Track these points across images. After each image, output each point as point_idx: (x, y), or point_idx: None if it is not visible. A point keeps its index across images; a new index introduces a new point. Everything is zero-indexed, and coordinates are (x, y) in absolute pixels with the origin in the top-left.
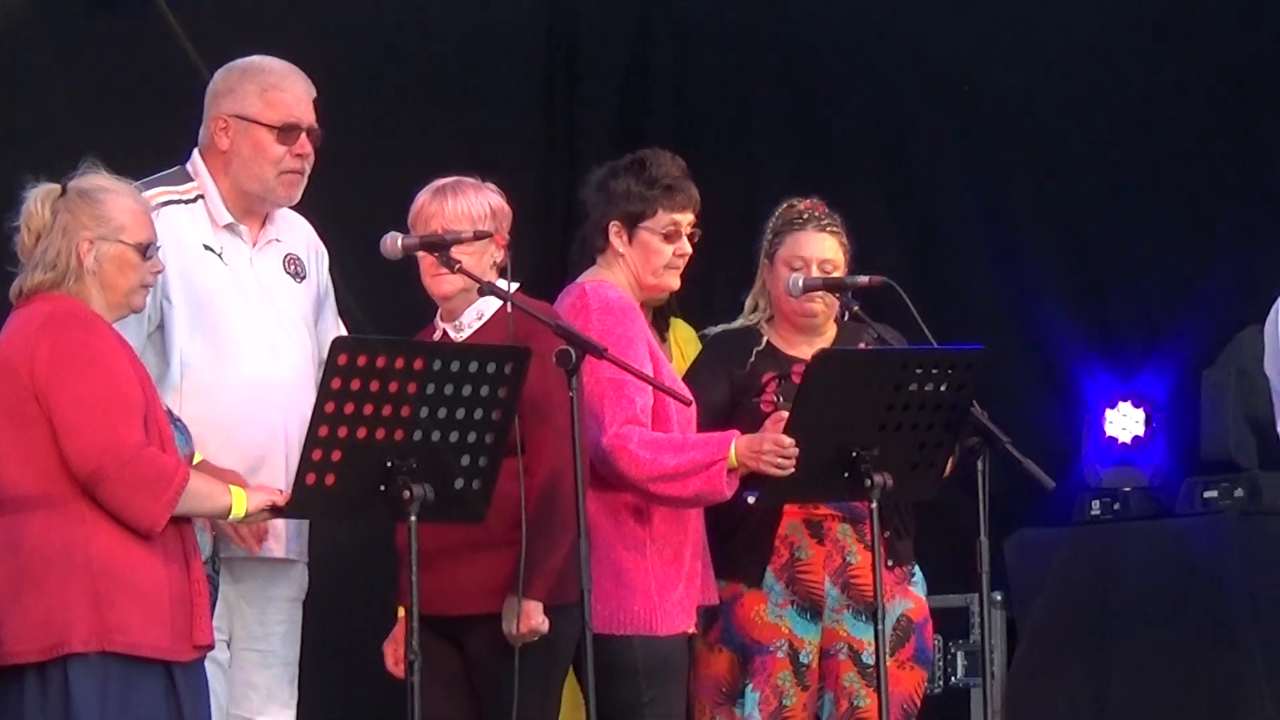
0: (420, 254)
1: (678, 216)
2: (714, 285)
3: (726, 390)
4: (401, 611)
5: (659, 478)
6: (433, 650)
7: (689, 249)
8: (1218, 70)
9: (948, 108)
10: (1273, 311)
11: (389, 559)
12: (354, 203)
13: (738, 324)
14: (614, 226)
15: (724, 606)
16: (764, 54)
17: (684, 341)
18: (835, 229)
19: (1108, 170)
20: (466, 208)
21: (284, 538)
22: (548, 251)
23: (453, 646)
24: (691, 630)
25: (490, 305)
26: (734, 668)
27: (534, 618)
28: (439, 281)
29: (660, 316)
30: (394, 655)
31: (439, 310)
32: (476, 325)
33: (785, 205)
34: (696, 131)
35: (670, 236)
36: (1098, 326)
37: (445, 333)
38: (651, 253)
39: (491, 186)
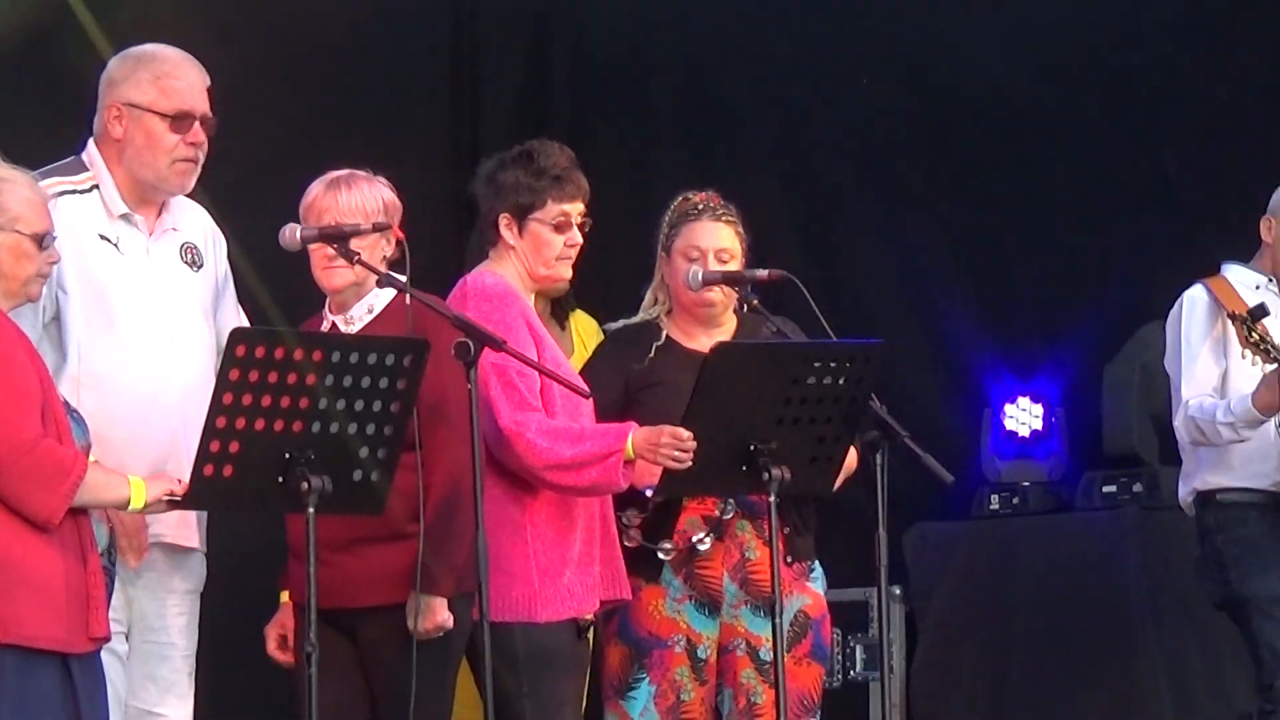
0: (313, 246)
1: (567, 207)
2: (612, 278)
3: (623, 385)
4: (284, 597)
5: (555, 466)
6: (326, 642)
7: (580, 239)
8: (1114, 68)
9: (846, 101)
10: (1175, 309)
11: (283, 551)
12: (256, 192)
13: (638, 319)
14: (504, 219)
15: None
16: (662, 46)
17: (586, 333)
18: (731, 219)
19: (1007, 166)
20: (361, 201)
21: (193, 525)
22: (457, 244)
23: (345, 638)
24: (588, 617)
25: (382, 299)
26: (625, 662)
27: (439, 614)
28: (331, 274)
29: (560, 308)
30: (276, 639)
31: (327, 303)
32: (367, 319)
33: (681, 198)
34: (595, 123)
35: (560, 227)
36: (997, 321)
37: (335, 325)
38: (542, 244)
39: (383, 180)
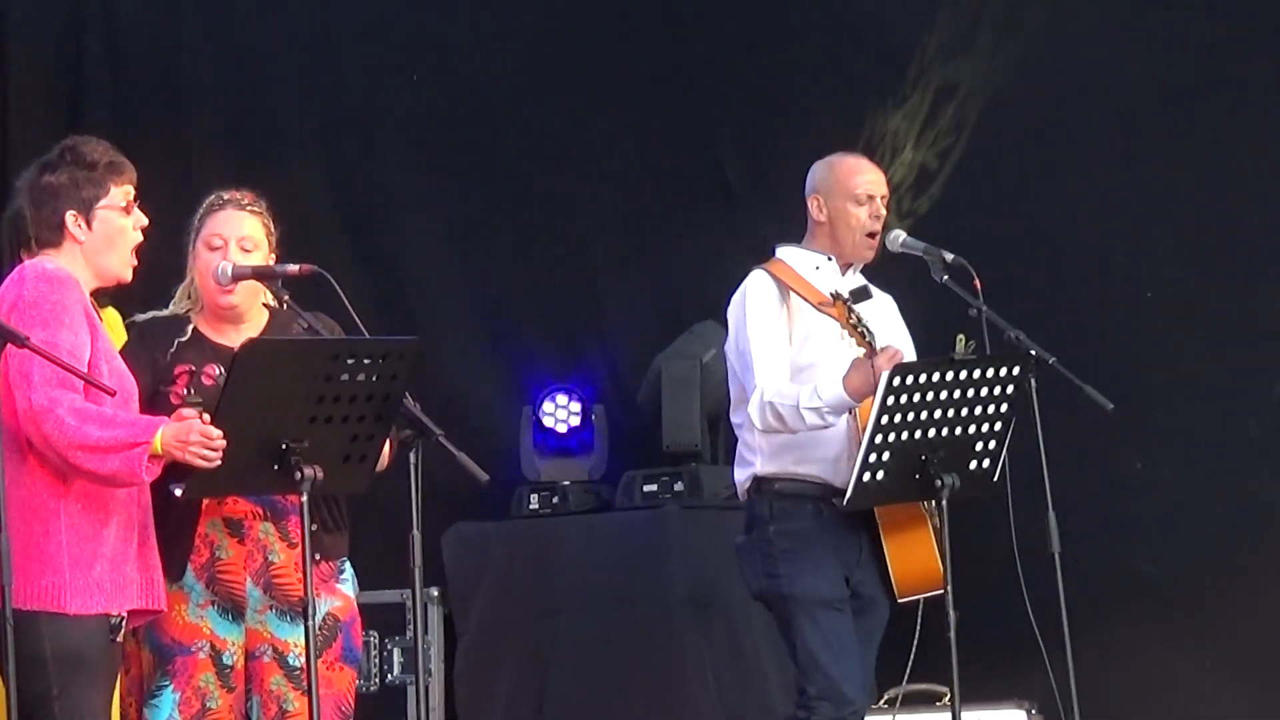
0: None
1: (128, 188)
2: (150, 277)
3: (149, 377)
4: None
5: (80, 447)
6: None
7: (145, 219)
8: (675, 69)
9: (393, 96)
10: (737, 294)
11: None
12: None
13: (167, 311)
14: (71, 216)
15: None
16: (201, 45)
17: (113, 328)
18: (257, 210)
19: (551, 159)
20: None
21: None
22: None
23: None
24: (115, 614)
25: None
26: (149, 668)
27: None
28: None
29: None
30: None
31: None
32: None
33: (214, 195)
34: (133, 125)
35: (128, 208)
36: (537, 316)
37: None
38: (115, 230)
39: None
